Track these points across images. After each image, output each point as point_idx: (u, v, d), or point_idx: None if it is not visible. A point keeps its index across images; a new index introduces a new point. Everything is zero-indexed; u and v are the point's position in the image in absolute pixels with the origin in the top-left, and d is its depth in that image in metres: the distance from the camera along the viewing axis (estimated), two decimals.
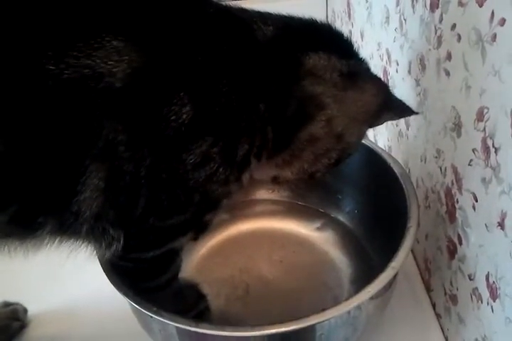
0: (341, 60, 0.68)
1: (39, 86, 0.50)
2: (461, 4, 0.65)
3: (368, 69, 0.73)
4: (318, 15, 1.48)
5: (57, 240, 0.61)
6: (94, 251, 0.65)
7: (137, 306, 0.65)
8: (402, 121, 0.92)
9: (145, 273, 0.69)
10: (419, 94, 0.83)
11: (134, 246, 0.64)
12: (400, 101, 0.77)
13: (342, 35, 0.72)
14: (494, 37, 0.58)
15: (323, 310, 0.63)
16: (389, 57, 0.97)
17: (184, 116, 0.56)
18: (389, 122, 1.00)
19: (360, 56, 0.72)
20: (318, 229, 0.98)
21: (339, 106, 0.68)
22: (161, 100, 0.55)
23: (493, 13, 0.58)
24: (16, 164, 0.52)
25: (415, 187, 0.86)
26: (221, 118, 0.59)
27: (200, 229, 0.68)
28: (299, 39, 0.67)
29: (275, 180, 0.74)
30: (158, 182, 0.58)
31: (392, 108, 0.76)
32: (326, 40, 0.69)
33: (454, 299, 0.76)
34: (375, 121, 0.75)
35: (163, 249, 0.65)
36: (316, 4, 1.48)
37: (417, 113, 0.78)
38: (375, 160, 0.85)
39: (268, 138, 0.65)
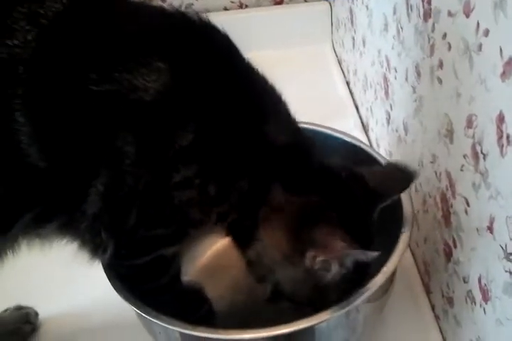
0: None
1: (82, 97, 0.58)
2: (450, 14, 0.67)
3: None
4: (324, 22, 1.51)
5: (59, 237, 0.68)
6: (91, 254, 0.69)
7: (137, 310, 0.67)
8: (401, 126, 0.94)
9: (141, 278, 0.72)
10: (416, 100, 0.84)
11: (124, 254, 0.69)
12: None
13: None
14: (480, 47, 0.60)
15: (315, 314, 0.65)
16: (388, 64, 0.98)
17: (185, 142, 0.60)
18: (389, 127, 1.02)
19: None
20: None
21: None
22: (174, 121, 0.60)
23: (478, 23, 0.60)
24: (52, 173, 0.60)
25: (414, 191, 0.88)
26: (213, 158, 0.63)
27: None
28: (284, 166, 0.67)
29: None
30: (151, 197, 0.63)
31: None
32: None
33: (450, 301, 0.78)
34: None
35: (150, 256, 0.69)
36: (321, 11, 1.49)
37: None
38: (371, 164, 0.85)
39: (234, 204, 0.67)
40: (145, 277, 0.72)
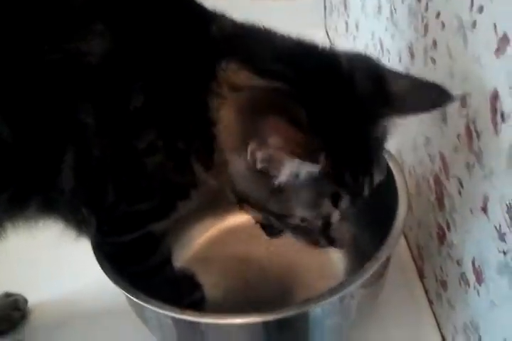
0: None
1: (35, 69, 0.56)
2: None
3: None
4: (317, 6, 1.50)
5: (43, 217, 0.66)
6: (76, 231, 0.69)
7: (127, 293, 0.66)
8: None
9: (129, 257, 0.71)
10: None
11: (108, 231, 0.68)
12: None
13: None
14: (474, 24, 0.59)
15: (307, 300, 0.64)
16: (382, 46, 0.97)
17: (137, 103, 0.59)
18: None
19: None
20: None
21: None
22: (123, 84, 0.59)
23: (472, 0, 0.58)
24: (19, 150, 0.58)
25: (408, 175, 0.87)
26: (166, 113, 0.60)
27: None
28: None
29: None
30: (120, 168, 0.62)
31: None
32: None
33: (444, 285, 0.77)
34: None
35: (136, 233, 0.68)
36: None
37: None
38: None
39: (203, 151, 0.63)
40: (132, 256, 0.71)
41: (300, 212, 0.61)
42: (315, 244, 0.68)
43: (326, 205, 0.60)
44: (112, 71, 0.58)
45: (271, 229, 0.71)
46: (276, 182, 0.57)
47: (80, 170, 0.60)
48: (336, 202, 0.60)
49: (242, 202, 0.64)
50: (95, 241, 0.71)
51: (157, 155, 0.61)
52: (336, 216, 0.64)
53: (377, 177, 0.62)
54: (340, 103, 0.57)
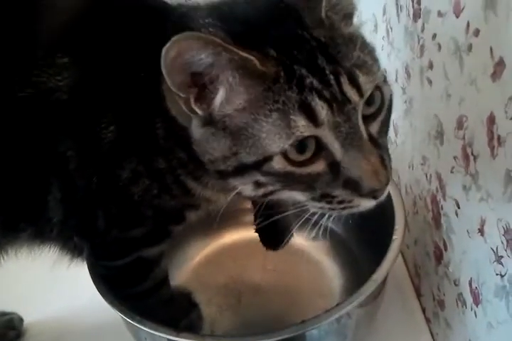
0: None
1: (5, 106, 0.56)
2: (440, 14, 0.66)
3: None
4: None
5: (36, 245, 0.68)
6: (70, 258, 0.70)
7: (122, 315, 0.66)
8: (391, 128, 0.93)
9: (122, 280, 0.71)
10: (406, 101, 0.84)
11: (100, 255, 0.69)
12: None
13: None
14: (470, 47, 0.59)
15: (303, 321, 0.63)
16: None
17: (110, 135, 0.58)
18: None
19: None
20: (312, 238, 0.98)
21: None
22: (94, 117, 0.58)
23: (468, 23, 0.59)
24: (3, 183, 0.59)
25: (404, 193, 0.87)
26: (139, 140, 0.59)
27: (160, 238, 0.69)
28: None
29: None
30: (107, 196, 0.61)
31: None
32: None
33: (441, 304, 0.77)
34: None
35: (127, 258, 0.68)
36: None
37: None
38: None
39: (182, 157, 0.60)
40: (125, 280, 0.71)
41: (275, 146, 0.49)
42: (341, 203, 0.53)
43: (300, 123, 0.48)
44: (82, 105, 0.57)
45: (270, 235, 0.69)
46: (229, 121, 0.51)
47: (66, 200, 0.61)
48: (310, 114, 0.48)
49: (224, 176, 0.54)
50: (90, 262, 0.71)
51: (141, 181, 0.60)
52: (334, 145, 0.50)
53: (364, 78, 0.51)
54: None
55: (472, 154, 0.61)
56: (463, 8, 0.60)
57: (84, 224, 0.64)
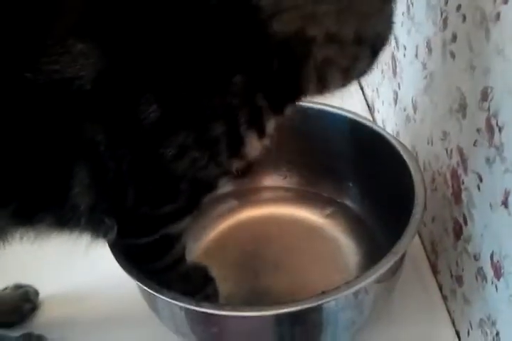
0: None
1: (20, 94, 0.53)
2: None
3: None
4: None
5: (57, 232, 0.65)
6: (93, 239, 0.68)
7: (140, 284, 0.66)
8: (409, 105, 0.93)
9: (145, 256, 0.71)
10: (426, 77, 0.83)
11: (128, 233, 0.67)
12: None
13: None
14: (498, 16, 0.58)
15: (323, 292, 0.64)
16: (397, 42, 0.97)
17: (152, 115, 0.56)
18: (396, 107, 1.00)
19: None
20: (328, 216, 0.98)
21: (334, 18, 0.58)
22: (128, 100, 0.56)
23: None
24: (11, 165, 0.56)
25: (422, 170, 0.86)
26: (189, 111, 0.58)
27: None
28: None
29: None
30: (142, 175, 0.60)
31: None
32: None
33: (459, 280, 0.77)
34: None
35: (156, 235, 0.67)
36: None
37: None
38: (384, 147, 0.84)
39: (260, 105, 0.61)
40: (147, 256, 0.71)
41: None
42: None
43: None
44: (111, 92, 0.55)
45: None
46: None
47: (96, 184, 0.58)
48: None
49: None
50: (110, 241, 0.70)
51: (189, 154, 0.59)
52: None
53: None
54: None
55: (497, 125, 0.60)
56: None
57: (115, 204, 0.62)
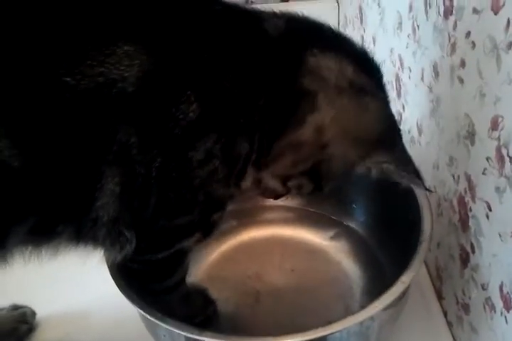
0: (358, 72, 0.65)
1: (58, 99, 0.52)
2: (475, 11, 0.65)
3: (385, 99, 0.69)
4: (330, 20, 1.48)
5: (71, 246, 0.63)
6: (104, 255, 0.66)
7: (142, 312, 0.64)
8: (414, 127, 0.92)
9: (153, 275, 0.70)
10: (432, 101, 0.82)
11: (145, 248, 0.65)
12: (410, 160, 0.70)
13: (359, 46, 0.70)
14: (510, 45, 0.57)
15: (330, 322, 0.62)
16: (401, 63, 0.96)
17: (191, 114, 0.57)
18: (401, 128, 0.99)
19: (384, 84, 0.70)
20: (331, 238, 0.96)
21: (334, 114, 0.64)
22: (169, 100, 0.56)
23: (509, 20, 0.57)
24: (34, 177, 0.54)
25: (428, 194, 0.85)
26: (225, 114, 0.59)
27: (207, 229, 0.68)
28: (307, 36, 0.66)
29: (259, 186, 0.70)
30: (167, 181, 0.59)
31: (392, 152, 0.68)
32: (337, 43, 0.67)
33: (466, 308, 0.76)
34: (366, 150, 0.66)
35: (172, 249, 0.66)
36: (328, 9, 1.47)
37: (429, 190, 0.73)
38: None
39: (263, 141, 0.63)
40: (158, 274, 0.70)
41: None
42: None
43: None
44: (153, 92, 0.55)
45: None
46: None
47: (125, 193, 0.57)
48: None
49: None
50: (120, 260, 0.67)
51: (212, 163, 0.60)
52: None
53: None
54: None
55: (508, 156, 0.59)
56: (503, 5, 0.58)
57: (136, 216, 0.61)
